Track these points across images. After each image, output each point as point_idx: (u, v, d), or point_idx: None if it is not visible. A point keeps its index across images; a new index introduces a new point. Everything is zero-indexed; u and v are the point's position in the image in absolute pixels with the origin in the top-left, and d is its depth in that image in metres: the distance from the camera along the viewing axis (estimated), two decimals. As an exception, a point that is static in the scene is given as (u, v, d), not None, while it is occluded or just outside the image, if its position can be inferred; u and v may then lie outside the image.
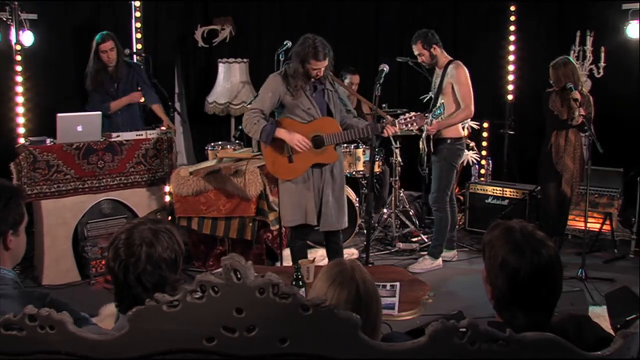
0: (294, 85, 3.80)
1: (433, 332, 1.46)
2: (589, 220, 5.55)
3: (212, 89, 6.84)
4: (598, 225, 5.40)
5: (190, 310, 1.43)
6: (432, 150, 4.81)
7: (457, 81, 4.76)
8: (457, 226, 5.37)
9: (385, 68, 3.69)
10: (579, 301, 3.82)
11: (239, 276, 1.41)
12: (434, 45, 4.81)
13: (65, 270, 4.62)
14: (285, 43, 4.49)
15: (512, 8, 6.47)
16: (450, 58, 4.89)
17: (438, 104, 4.71)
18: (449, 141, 4.80)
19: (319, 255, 5.19)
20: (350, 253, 5.29)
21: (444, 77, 4.81)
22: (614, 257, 5.16)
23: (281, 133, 3.81)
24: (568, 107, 4.74)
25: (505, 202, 5.74)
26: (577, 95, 4.59)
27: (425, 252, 5.34)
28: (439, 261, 5.05)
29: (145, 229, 1.83)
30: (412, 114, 3.90)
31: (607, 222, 5.28)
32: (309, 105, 3.89)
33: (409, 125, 3.88)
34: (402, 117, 3.91)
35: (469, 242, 5.71)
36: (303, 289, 2.78)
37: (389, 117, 3.89)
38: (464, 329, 1.46)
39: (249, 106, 3.95)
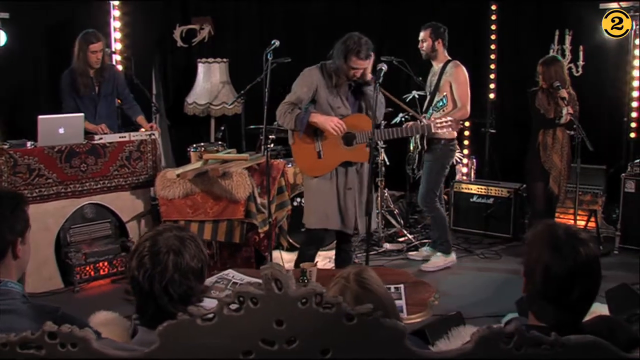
0: (334, 81, 3.74)
1: (480, 338, 1.42)
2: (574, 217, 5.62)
3: (191, 90, 6.72)
4: (583, 223, 5.45)
5: (227, 324, 1.36)
6: (424, 148, 4.79)
7: (455, 80, 4.77)
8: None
9: (384, 67, 3.66)
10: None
11: (279, 286, 1.35)
12: (440, 40, 4.85)
13: (48, 277, 4.46)
14: (273, 42, 4.40)
15: (493, 7, 6.50)
16: (450, 58, 4.91)
17: (440, 97, 4.67)
18: (442, 142, 4.78)
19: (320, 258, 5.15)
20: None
21: (442, 75, 4.82)
22: (600, 254, 5.19)
23: (316, 117, 3.73)
24: (555, 105, 4.77)
25: (490, 201, 5.76)
26: (564, 93, 4.62)
27: (413, 252, 5.38)
28: (453, 256, 5.05)
29: (170, 237, 1.73)
30: (450, 118, 3.90)
31: (592, 219, 5.33)
32: (340, 104, 3.82)
33: (447, 128, 3.89)
34: (438, 119, 3.92)
35: (455, 241, 5.69)
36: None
37: (423, 118, 3.90)
38: (510, 334, 1.43)
39: (285, 100, 3.90)
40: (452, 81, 4.77)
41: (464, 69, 4.82)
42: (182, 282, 1.69)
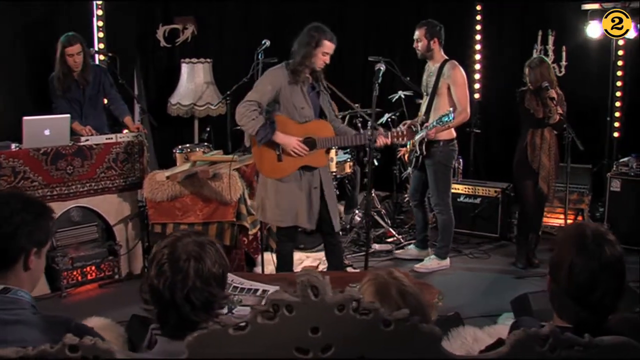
0: (298, 79, 3.74)
1: (515, 341, 1.40)
2: (561, 216, 5.67)
3: (174, 90, 6.62)
4: (569, 221, 5.49)
5: (260, 333, 1.32)
6: (424, 153, 4.75)
7: (454, 82, 4.70)
8: (429, 225, 5.36)
9: (382, 67, 3.64)
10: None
11: (315, 293, 1.31)
12: (436, 39, 4.76)
13: (33, 283, 4.33)
14: (263, 42, 4.37)
15: (478, 7, 6.53)
16: (446, 57, 4.83)
17: (446, 112, 4.46)
18: (442, 143, 4.73)
19: (297, 258, 5.11)
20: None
21: (439, 76, 4.74)
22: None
23: (279, 137, 3.75)
24: (543, 105, 4.79)
25: (478, 201, 5.78)
26: (553, 94, 4.64)
27: (399, 250, 5.38)
28: (447, 261, 5.03)
29: (189, 242, 1.67)
30: (403, 128, 3.96)
31: (580, 217, 5.39)
32: (304, 104, 3.82)
33: (400, 139, 3.93)
34: (394, 129, 3.96)
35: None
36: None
37: (381, 128, 3.91)
38: (545, 336, 1.42)
39: (246, 97, 3.84)
40: (451, 83, 4.70)
41: (461, 69, 4.75)
42: (204, 289, 1.63)
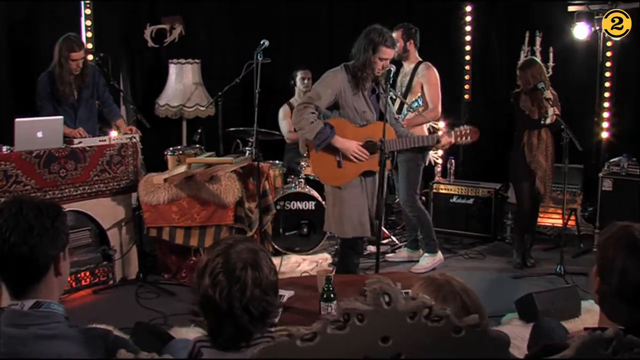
0: (360, 82, 3.66)
1: (581, 344, 1.39)
2: (553, 216, 5.74)
3: (162, 91, 6.51)
4: (562, 221, 5.55)
5: (329, 344, 1.27)
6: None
7: (427, 81, 4.85)
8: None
9: (392, 68, 3.63)
10: (573, 297, 3.89)
11: (387, 301, 1.27)
12: (412, 40, 4.91)
13: (26, 290, 4.20)
14: (262, 42, 4.30)
15: (468, 8, 6.55)
16: (421, 59, 4.97)
17: (414, 98, 4.68)
18: None
19: (293, 260, 5.07)
20: (324, 258, 5.18)
21: (414, 76, 4.87)
22: (580, 252, 5.32)
23: (338, 142, 3.65)
24: (538, 106, 4.83)
25: (471, 201, 5.80)
26: (549, 94, 4.68)
27: (391, 254, 5.37)
28: (439, 255, 5.06)
29: (243, 249, 1.60)
30: (467, 127, 3.90)
31: (573, 217, 5.44)
32: (365, 108, 3.74)
33: (463, 139, 3.87)
34: (457, 128, 3.90)
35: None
36: (335, 302, 2.63)
37: (444, 127, 3.90)
38: (609, 339, 1.40)
39: (302, 99, 3.77)
40: (424, 82, 4.85)
41: (435, 70, 4.91)
42: (262, 299, 1.57)
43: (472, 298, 1.64)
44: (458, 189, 5.89)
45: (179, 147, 5.42)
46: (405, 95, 4.93)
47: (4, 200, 1.70)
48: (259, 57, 4.24)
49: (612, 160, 5.53)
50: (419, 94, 4.81)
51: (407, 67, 4.99)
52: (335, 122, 3.74)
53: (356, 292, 1.67)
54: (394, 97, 4.74)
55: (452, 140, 3.87)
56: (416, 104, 4.75)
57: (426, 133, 4.91)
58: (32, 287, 1.65)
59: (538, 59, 6.21)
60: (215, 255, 1.60)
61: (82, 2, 5.66)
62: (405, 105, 4.88)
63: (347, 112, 3.73)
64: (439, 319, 1.28)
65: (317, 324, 1.25)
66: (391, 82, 3.57)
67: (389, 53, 3.67)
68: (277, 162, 5.74)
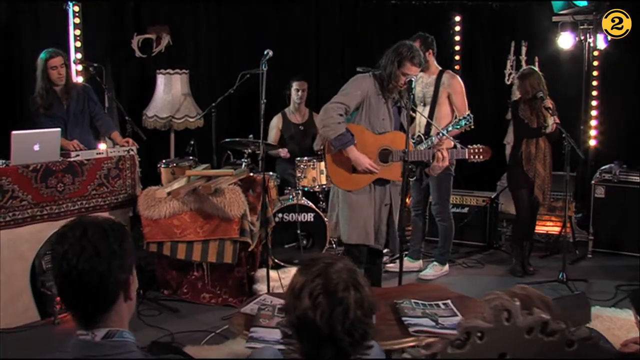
0: (385, 91, 3.71)
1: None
2: (548, 223, 5.80)
3: (149, 102, 6.37)
4: (556, 228, 5.63)
5: (446, 362, 1.23)
6: (431, 162, 4.73)
7: (454, 90, 4.81)
8: (425, 237, 5.37)
9: (414, 79, 3.62)
10: (583, 303, 3.91)
11: (507, 317, 1.22)
12: (430, 50, 4.84)
13: (23, 309, 4.04)
14: (266, 52, 4.23)
15: (457, 18, 6.61)
16: (441, 68, 4.92)
17: (465, 115, 4.41)
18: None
19: (293, 273, 4.96)
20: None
21: (439, 85, 4.81)
22: (576, 258, 5.39)
23: (352, 153, 3.70)
24: (537, 115, 4.88)
25: (466, 210, 5.82)
26: (549, 103, 4.74)
27: (391, 264, 5.27)
28: (446, 267, 5.11)
29: (343, 269, 1.52)
30: (481, 146, 3.90)
31: (568, 224, 5.51)
32: (385, 116, 3.80)
33: (476, 157, 3.88)
34: (471, 146, 3.92)
35: (431, 251, 5.69)
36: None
37: (458, 143, 3.94)
38: None
39: (334, 99, 3.80)
40: (451, 92, 4.80)
41: (459, 78, 4.89)
42: (362, 320, 1.49)
43: (555, 312, 1.60)
44: (453, 198, 5.88)
45: (171, 159, 5.30)
46: (432, 107, 4.86)
47: (65, 223, 1.58)
48: (264, 67, 4.17)
49: (603, 167, 5.63)
50: (468, 112, 4.48)
51: (428, 77, 4.91)
52: (355, 127, 3.79)
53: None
54: (414, 114, 4.73)
55: (466, 156, 3.92)
56: (464, 121, 4.35)
57: (452, 145, 4.85)
58: (103, 316, 1.53)
59: (536, 68, 6.31)
60: (315, 276, 1.52)
61: (71, 10, 5.50)
62: (451, 125, 4.56)
63: (368, 116, 3.79)
64: (553, 333, 1.24)
65: (438, 343, 1.20)
66: (414, 92, 3.57)
67: (413, 70, 3.74)
68: (271, 173, 5.65)
